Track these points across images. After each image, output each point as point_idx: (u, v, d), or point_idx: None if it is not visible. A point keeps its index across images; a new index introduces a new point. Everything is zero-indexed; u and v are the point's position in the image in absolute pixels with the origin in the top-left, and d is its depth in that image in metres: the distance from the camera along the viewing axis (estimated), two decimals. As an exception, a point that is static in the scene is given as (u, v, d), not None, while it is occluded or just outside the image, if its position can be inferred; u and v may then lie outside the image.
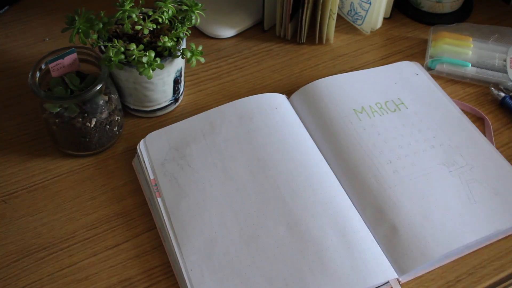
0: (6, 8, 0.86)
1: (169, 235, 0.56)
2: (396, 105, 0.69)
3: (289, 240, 0.55)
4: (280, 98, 0.70)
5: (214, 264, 0.54)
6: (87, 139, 0.63)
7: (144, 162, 0.62)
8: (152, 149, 0.63)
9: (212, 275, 0.53)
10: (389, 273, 0.54)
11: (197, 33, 0.83)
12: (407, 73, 0.74)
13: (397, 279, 0.54)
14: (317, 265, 0.53)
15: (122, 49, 0.60)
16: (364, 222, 0.58)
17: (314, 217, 0.57)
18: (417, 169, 0.62)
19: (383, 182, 0.60)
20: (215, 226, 0.57)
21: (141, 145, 0.64)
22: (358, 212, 0.59)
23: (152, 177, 0.61)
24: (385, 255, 0.55)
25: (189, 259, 0.54)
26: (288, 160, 0.61)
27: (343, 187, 0.61)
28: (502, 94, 0.72)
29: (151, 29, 0.62)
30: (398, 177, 0.61)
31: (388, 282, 0.53)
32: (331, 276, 0.53)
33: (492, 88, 0.73)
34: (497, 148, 0.66)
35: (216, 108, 0.67)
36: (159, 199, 0.59)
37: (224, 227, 0.57)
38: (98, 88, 0.60)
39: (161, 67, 0.61)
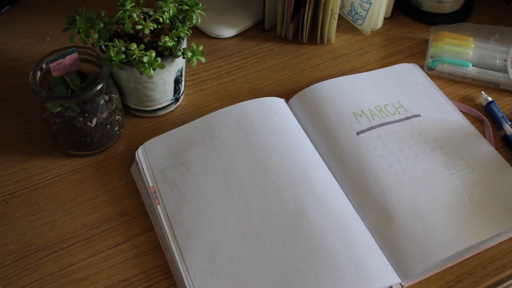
0: (7, 7, 0.86)
1: (170, 243, 0.55)
2: (395, 108, 0.69)
3: (292, 244, 0.55)
4: (279, 102, 0.69)
5: (217, 271, 0.53)
6: (88, 139, 0.63)
7: (143, 169, 0.61)
8: (151, 156, 0.62)
9: (216, 282, 0.53)
10: (392, 277, 0.54)
11: (198, 33, 0.83)
12: (405, 75, 0.74)
13: (400, 283, 0.54)
14: (321, 269, 0.53)
15: (123, 48, 0.60)
16: (366, 226, 0.58)
17: (316, 221, 0.56)
18: (418, 172, 0.62)
19: (384, 186, 0.60)
20: (217, 233, 0.56)
21: (140, 152, 0.63)
22: (359, 216, 0.58)
23: (151, 184, 0.60)
24: (388, 259, 0.55)
25: (192, 267, 0.54)
26: (289, 164, 0.61)
27: (344, 191, 0.61)
28: (489, 99, 0.72)
29: (152, 28, 0.62)
30: (399, 180, 0.61)
31: (391, 287, 0.53)
32: (335, 280, 0.52)
33: (482, 92, 0.73)
34: (497, 149, 0.66)
35: (214, 112, 0.67)
36: (158, 207, 0.58)
37: (227, 233, 0.56)
38: (99, 87, 0.60)
39: (162, 66, 0.61)
